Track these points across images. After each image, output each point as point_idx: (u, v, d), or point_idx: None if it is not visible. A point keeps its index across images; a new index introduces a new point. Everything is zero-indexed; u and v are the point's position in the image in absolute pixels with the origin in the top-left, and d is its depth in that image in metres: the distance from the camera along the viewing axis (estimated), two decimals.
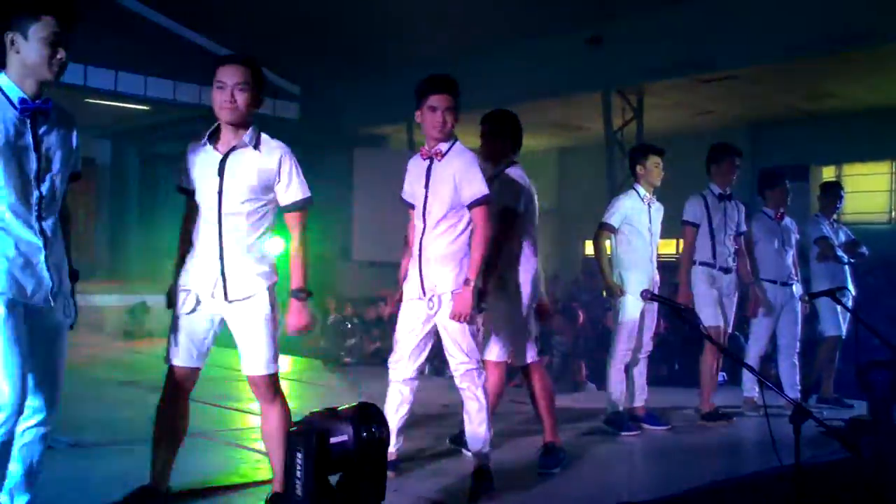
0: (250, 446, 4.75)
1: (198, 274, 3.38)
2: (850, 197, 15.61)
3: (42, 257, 2.82)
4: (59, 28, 2.80)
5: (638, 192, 5.59)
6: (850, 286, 6.67)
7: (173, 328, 3.47)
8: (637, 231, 5.50)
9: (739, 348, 7.80)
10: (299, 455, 2.82)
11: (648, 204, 5.57)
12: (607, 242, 5.61)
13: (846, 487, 4.38)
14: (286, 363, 9.02)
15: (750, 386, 6.13)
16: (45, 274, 2.83)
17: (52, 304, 2.87)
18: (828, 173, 15.90)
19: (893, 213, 15.11)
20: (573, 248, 19.06)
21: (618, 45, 12.58)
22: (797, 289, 6.35)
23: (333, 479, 2.94)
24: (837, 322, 6.61)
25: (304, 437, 2.84)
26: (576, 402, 6.69)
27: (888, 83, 12.50)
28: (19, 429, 2.87)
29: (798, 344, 6.28)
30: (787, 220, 6.50)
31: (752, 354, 6.25)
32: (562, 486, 4.01)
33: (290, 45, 13.67)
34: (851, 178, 15.68)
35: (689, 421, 5.80)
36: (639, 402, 5.58)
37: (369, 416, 2.95)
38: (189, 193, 3.42)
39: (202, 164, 3.38)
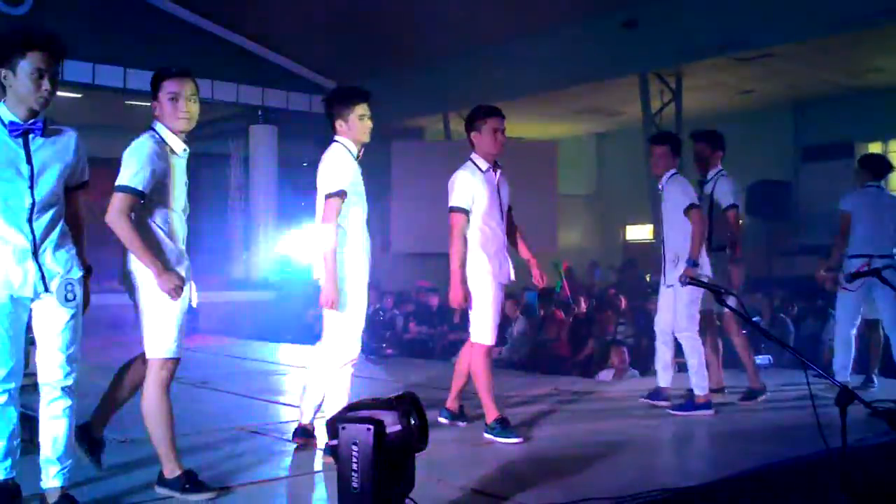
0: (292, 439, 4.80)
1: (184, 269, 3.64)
2: None
3: (30, 255, 3.18)
4: (44, 63, 3.16)
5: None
6: None
7: (175, 323, 3.60)
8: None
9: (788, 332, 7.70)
10: (355, 448, 2.78)
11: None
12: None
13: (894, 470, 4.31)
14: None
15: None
16: (33, 269, 3.18)
17: (45, 292, 3.20)
18: (873, 149, 15.54)
19: None
20: (613, 233, 18.91)
21: (653, 28, 12.42)
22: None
23: None
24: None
25: (359, 429, 2.80)
26: (618, 388, 6.65)
27: None
28: (42, 405, 3.25)
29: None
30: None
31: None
32: (603, 472, 3.99)
33: (325, 41, 13.74)
34: None
35: (733, 403, 5.74)
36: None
37: (409, 404, 2.97)
38: (141, 195, 3.53)
39: (179, 168, 3.68)
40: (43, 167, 3.21)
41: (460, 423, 5.03)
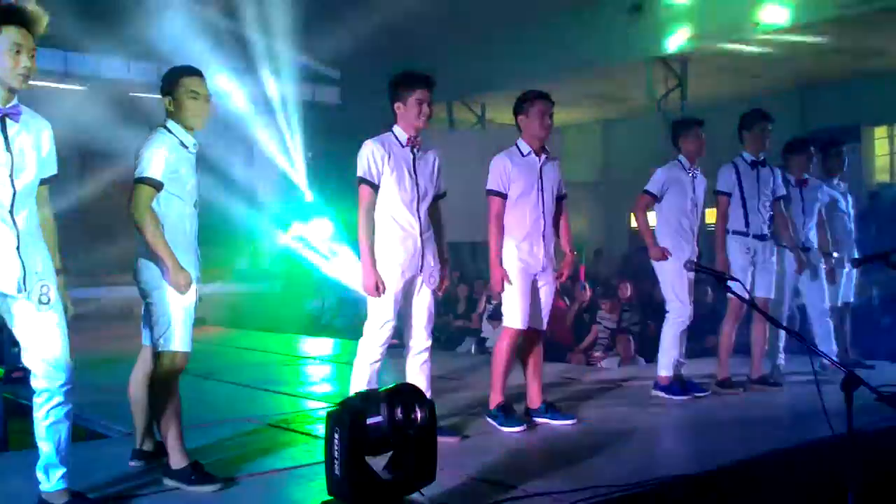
0: (299, 430, 4.81)
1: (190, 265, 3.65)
2: None
3: (14, 247, 3.04)
4: (22, 38, 2.99)
5: (681, 163, 5.59)
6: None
7: (186, 317, 3.63)
8: (680, 200, 5.52)
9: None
10: (337, 435, 2.87)
11: (692, 175, 5.57)
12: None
13: None
14: (337, 346, 9.13)
15: (780, 354, 6.05)
16: (17, 262, 3.04)
17: (24, 290, 3.05)
18: (880, 133, 15.47)
19: None
20: (619, 220, 18.85)
21: (659, 13, 12.37)
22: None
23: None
24: (850, 288, 6.60)
25: (341, 417, 2.89)
26: (623, 376, 6.65)
27: None
28: (41, 412, 3.13)
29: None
30: (816, 186, 6.38)
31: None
32: (609, 460, 3.99)
33: (328, 30, 13.70)
34: None
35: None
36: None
37: (404, 396, 2.97)
38: (160, 187, 3.56)
39: (190, 163, 3.69)
40: (21, 155, 3.06)
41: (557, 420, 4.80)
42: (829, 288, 6.29)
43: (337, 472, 2.87)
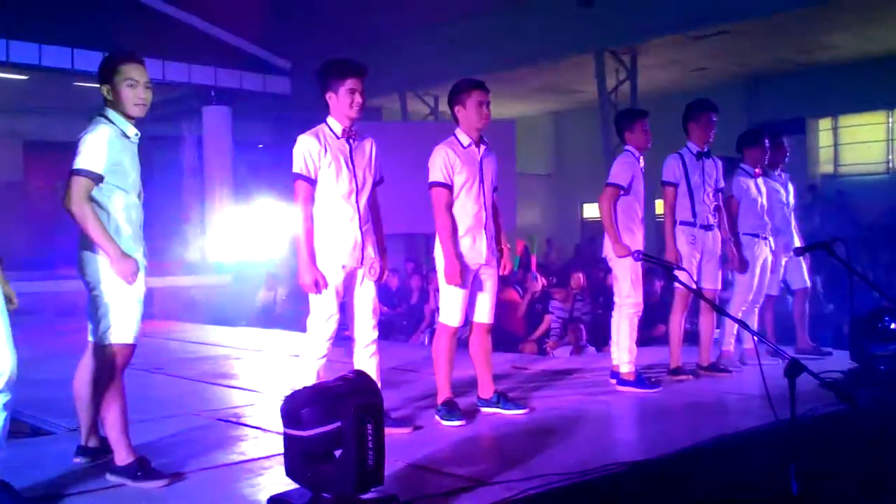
0: (249, 423, 4.76)
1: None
2: (848, 148, 15.60)
3: None
4: None
5: (633, 154, 5.62)
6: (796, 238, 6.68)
7: (132, 309, 3.57)
8: (635, 191, 5.58)
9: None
10: (370, 426, 2.86)
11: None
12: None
13: (844, 439, 4.40)
14: (289, 339, 9.05)
15: (727, 340, 6.15)
16: None
17: None
18: (824, 125, 15.83)
19: (891, 163, 15.04)
20: (571, 211, 19.01)
21: (609, 6, 12.46)
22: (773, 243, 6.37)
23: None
24: (803, 275, 6.70)
25: (373, 409, 2.90)
26: (574, 365, 6.70)
27: (882, 30, 12.38)
28: None
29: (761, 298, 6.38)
30: (775, 177, 6.52)
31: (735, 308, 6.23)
32: (559, 449, 4.01)
33: (279, 19, 13.55)
34: (848, 129, 15.60)
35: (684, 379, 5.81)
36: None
37: (356, 386, 2.98)
38: (99, 179, 3.49)
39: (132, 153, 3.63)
40: None
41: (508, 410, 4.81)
42: (770, 277, 6.41)
43: (371, 462, 2.90)
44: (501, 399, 4.82)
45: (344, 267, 4.26)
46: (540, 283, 9.78)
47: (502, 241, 4.89)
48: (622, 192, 5.53)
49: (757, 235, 6.22)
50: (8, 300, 3.25)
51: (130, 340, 3.57)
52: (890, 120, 14.98)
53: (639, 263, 5.36)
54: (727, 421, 4.60)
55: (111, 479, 3.54)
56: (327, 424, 2.85)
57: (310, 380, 4.14)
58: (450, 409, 4.60)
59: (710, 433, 4.21)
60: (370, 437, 2.86)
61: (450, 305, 4.67)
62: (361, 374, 3.14)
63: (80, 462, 3.81)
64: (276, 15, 13.41)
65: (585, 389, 5.59)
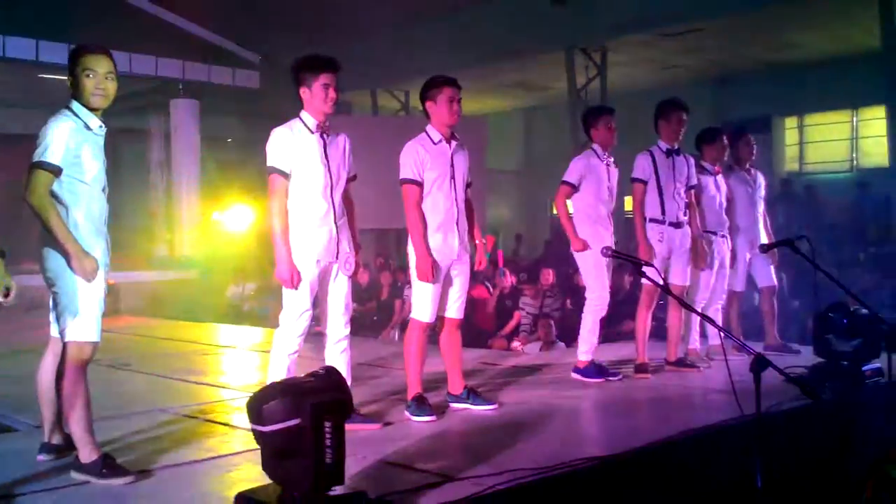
0: (217, 420, 4.73)
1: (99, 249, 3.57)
2: (813, 146, 15.81)
3: None
4: None
5: (596, 151, 5.66)
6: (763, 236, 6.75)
7: (94, 305, 3.52)
8: (596, 188, 5.61)
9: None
10: (329, 424, 2.84)
11: (607, 163, 5.66)
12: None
13: (809, 433, 4.47)
14: (258, 335, 8.99)
15: (693, 337, 6.21)
16: None
17: None
18: (790, 123, 16.03)
19: (855, 162, 15.27)
20: (541, 207, 19.06)
21: (580, 3, 12.50)
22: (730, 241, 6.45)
23: None
24: (771, 271, 6.75)
25: (333, 406, 2.87)
26: (543, 360, 6.73)
27: (848, 30, 12.55)
28: None
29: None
30: (743, 174, 6.58)
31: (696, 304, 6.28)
32: (527, 444, 4.03)
33: (248, 12, 13.43)
34: (813, 127, 15.81)
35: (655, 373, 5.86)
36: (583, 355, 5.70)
37: (323, 382, 2.96)
38: (58, 172, 3.45)
39: (96, 146, 3.57)
40: None
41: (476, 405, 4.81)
42: (732, 273, 6.48)
43: (329, 460, 2.86)
44: (471, 395, 4.83)
45: (319, 262, 4.24)
46: (508, 279, 9.81)
47: (476, 236, 4.89)
48: (573, 191, 5.64)
49: (715, 233, 6.28)
50: (5, 294, 3.24)
51: (93, 337, 3.52)
52: (854, 119, 15.21)
53: (603, 259, 5.42)
54: (694, 416, 4.64)
55: (75, 476, 3.49)
56: (287, 421, 2.83)
57: (280, 375, 4.12)
58: (420, 405, 4.60)
59: (676, 428, 4.24)
60: (328, 436, 2.83)
61: (421, 301, 4.67)
62: (332, 371, 3.12)
63: (43, 459, 3.75)
64: (245, 8, 13.29)
65: (554, 385, 5.61)
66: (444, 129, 4.69)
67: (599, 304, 5.61)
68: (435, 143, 4.68)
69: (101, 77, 3.55)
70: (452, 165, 4.69)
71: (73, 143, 3.45)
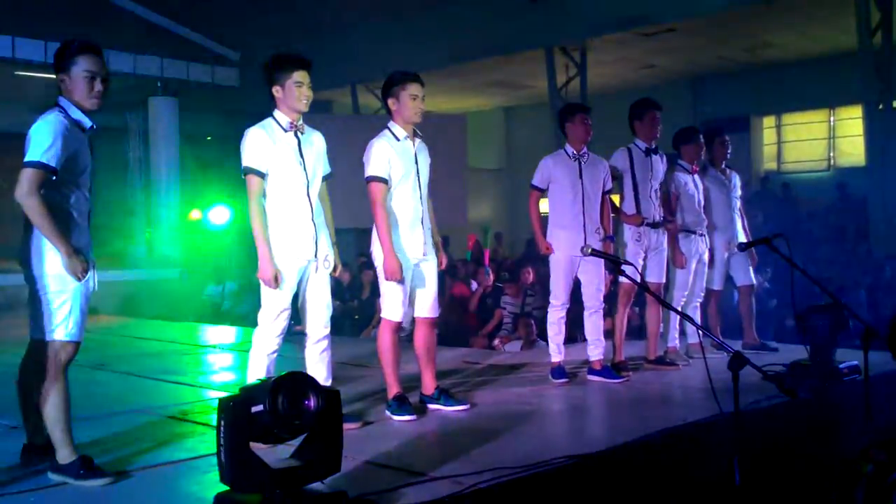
0: (197, 420, 4.70)
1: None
2: (791, 145, 15.95)
3: None
4: None
5: (567, 151, 5.64)
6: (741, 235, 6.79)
7: (77, 305, 3.49)
8: (565, 189, 5.58)
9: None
10: (222, 423, 2.90)
11: (579, 162, 5.61)
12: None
13: (787, 430, 4.51)
14: (238, 334, 8.96)
15: (672, 336, 6.24)
16: None
17: None
18: (768, 122, 16.15)
19: (832, 161, 15.41)
20: (522, 206, 19.08)
21: (559, 2, 12.53)
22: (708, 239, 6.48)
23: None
24: (748, 270, 6.79)
25: (225, 405, 2.92)
26: (523, 359, 6.74)
27: (825, 30, 12.66)
28: None
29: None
30: (718, 174, 6.62)
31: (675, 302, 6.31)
32: (507, 442, 4.04)
33: (227, 10, 13.36)
34: (791, 126, 15.95)
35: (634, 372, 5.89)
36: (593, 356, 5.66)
37: (291, 384, 2.93)
38: (52, 171, 3.41)
39: (86, 146, 3.57)
40: None
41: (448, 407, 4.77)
42: (711, 272, 6.52)
43: (223, 458, 2.91)
44: (443, 395, 4.81)
45: (298, 261, 4.23)
46: (492, 277, 9.82)
47: (434, 233, 4.85)
48: (541, 193, 5.67)
49: (693, 232, 6.31)
50: None
51: (76, 338, 3.49)
52: (832, 118, 15.35)
53: (565, 261, 5.48)
54: (672, 413, 4.66)
55: (53, 477, 3.46)
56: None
57: (260, 375, 4.10)
58: (400, 404, 4.59)
59: (656, 426, 4.27)
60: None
61: (391, 300, 4.65)
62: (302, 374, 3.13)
63: (23, 460, 3.72)
64: (224, 5, 13.21)
65: (534, 384, 5.62)
66: (408, 126, 4.65)
67: (557, 304, 5.61)
68: (399, 141, 4.63)
69: (99, 79, 3.52)
70: (417, 163, 4.66)
71: (67, 144, 3.41)
